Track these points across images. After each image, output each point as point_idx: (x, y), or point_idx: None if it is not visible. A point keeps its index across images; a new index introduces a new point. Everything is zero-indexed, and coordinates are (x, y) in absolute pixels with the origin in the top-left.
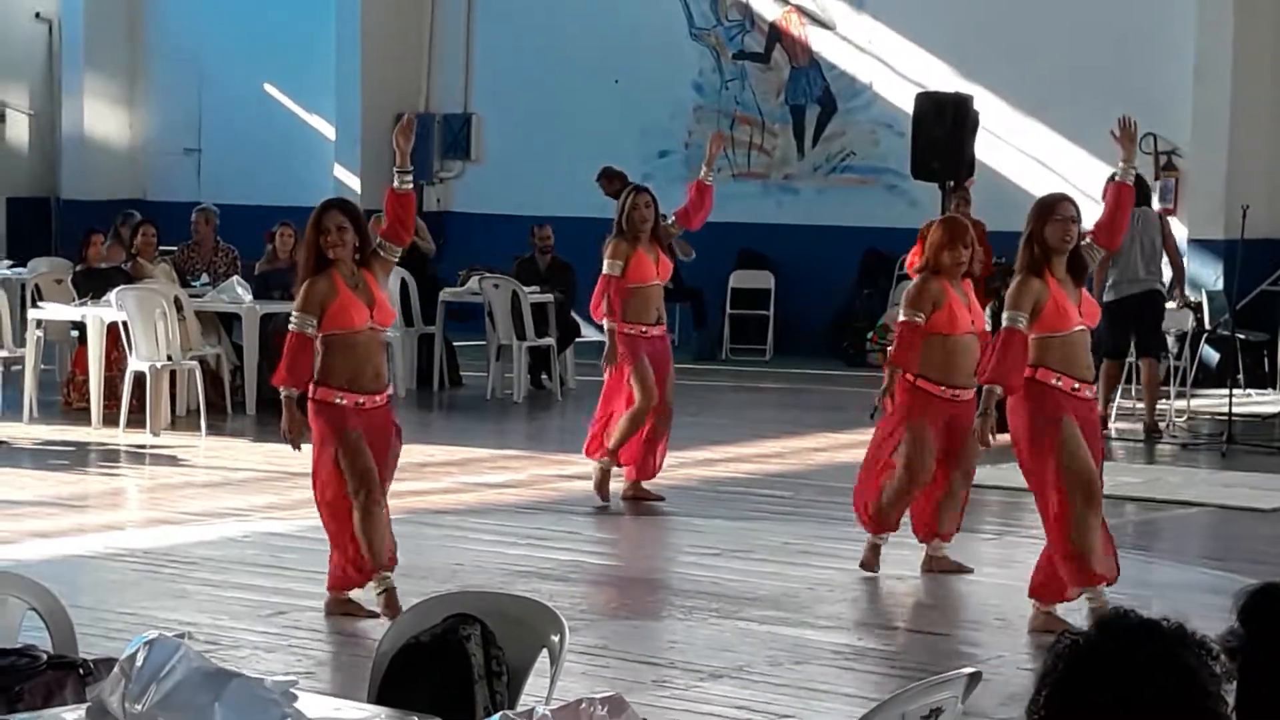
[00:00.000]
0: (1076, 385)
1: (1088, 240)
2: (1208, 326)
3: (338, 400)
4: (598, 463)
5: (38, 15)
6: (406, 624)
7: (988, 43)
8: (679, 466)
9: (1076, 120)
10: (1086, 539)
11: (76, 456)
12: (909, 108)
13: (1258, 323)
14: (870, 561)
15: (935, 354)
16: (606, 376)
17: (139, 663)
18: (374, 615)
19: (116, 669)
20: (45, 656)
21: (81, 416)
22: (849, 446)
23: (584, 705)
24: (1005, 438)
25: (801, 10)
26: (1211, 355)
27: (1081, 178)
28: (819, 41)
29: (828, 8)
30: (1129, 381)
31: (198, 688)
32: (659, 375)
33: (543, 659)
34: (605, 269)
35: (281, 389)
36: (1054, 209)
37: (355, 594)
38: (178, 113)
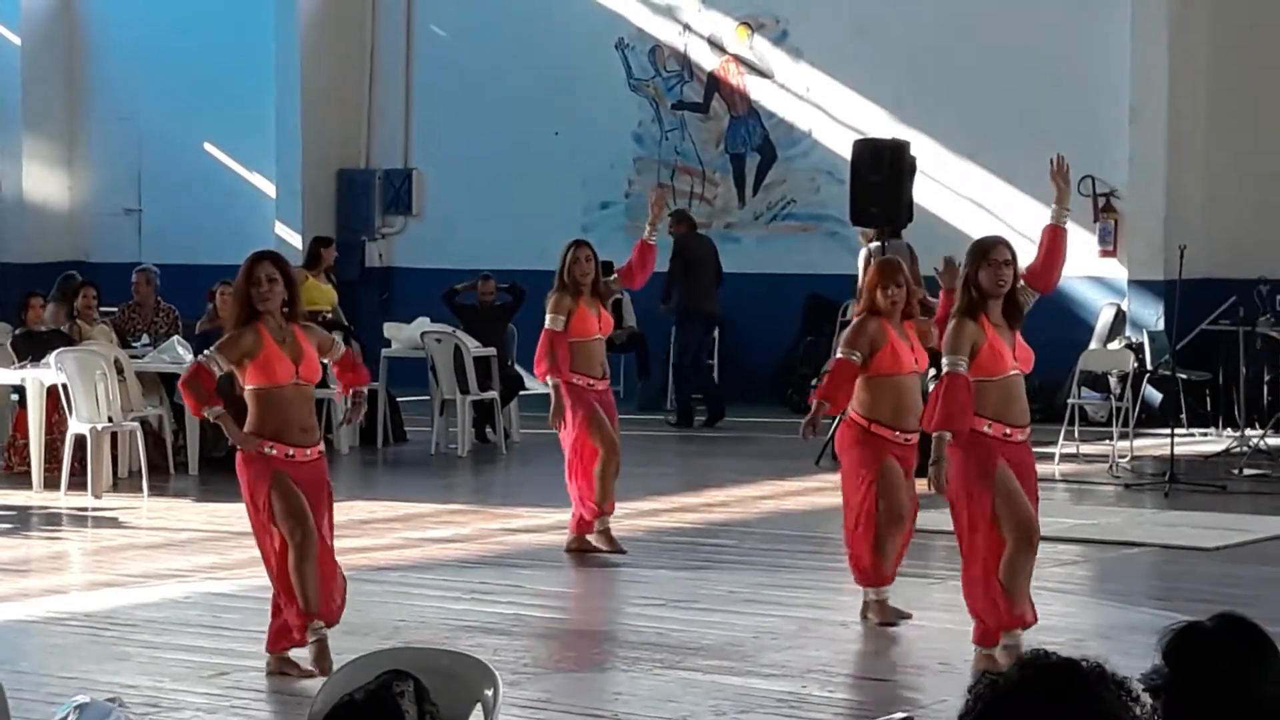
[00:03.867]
0: (1008, 431)
1: (1022, 284)
2: (1149, 367)
3: (267, 450)
4: (596, 523)
5: None
6: (339, 682)
7: (925, 88)
8: (625, 517)
9: (1013, 163)
10: (1015, 582)
11: (18, 520)
12: (848, 154)
13: (1199, 362)
14: (884, 614)
15: (886, 397)
16: (563, 436)
17: None
18: (310, 674)
19: None
20: None
21: (23, 480)
22: (795, 494)
23: None
24: None
25: (739, 59)
26: (1154, 395)
27: (1018, 219)
28: (757, 90)
29: (765, 56)
30: (1070, 423)
31: None
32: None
33: (477, 714)
34: (547, 323)
35: (207, 413)
36: (989, 252)
37: (296, 653)
38: (118, 173)
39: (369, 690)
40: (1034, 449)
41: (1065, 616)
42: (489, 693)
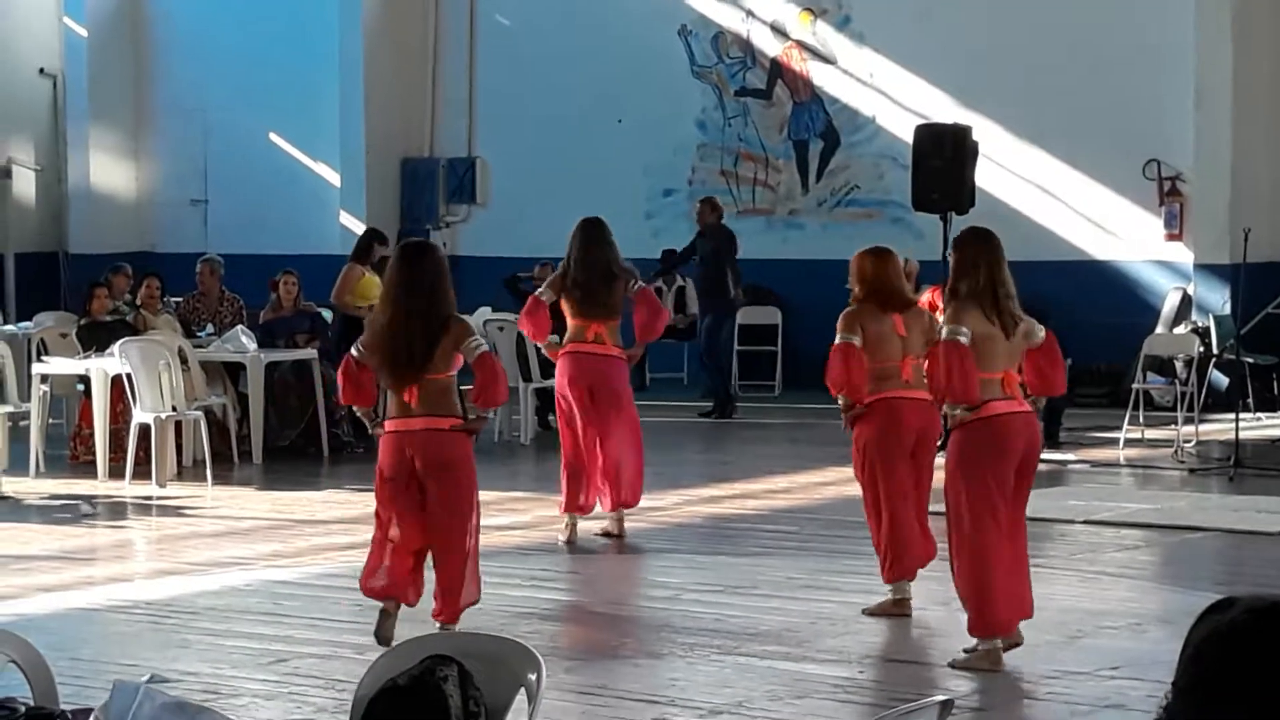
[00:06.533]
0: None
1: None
2: (1215, 351)
3: None
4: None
5: (42, 71)
6: (384, 667)
7: (989, 72)
8: (685, 504)
9: (1076, 146)
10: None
11: (83, 510)
12: (911, 139)
13: (1265, 346)
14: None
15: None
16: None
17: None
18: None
19: (91, 718)
20: (24, 709)
21: (89, 470)
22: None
23: None
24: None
25: (803, 45)
26: (1220, 380)
27: (1081, 203)
28: (820, 76)
29: (828, 42)
30: (1136, 408)
31: None
32: None
33: (521, 699)
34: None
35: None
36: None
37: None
38: (184, 164)
39: (412, 675)
40: (1100, 433)
41: (1125, 601)
42: (533, 677)
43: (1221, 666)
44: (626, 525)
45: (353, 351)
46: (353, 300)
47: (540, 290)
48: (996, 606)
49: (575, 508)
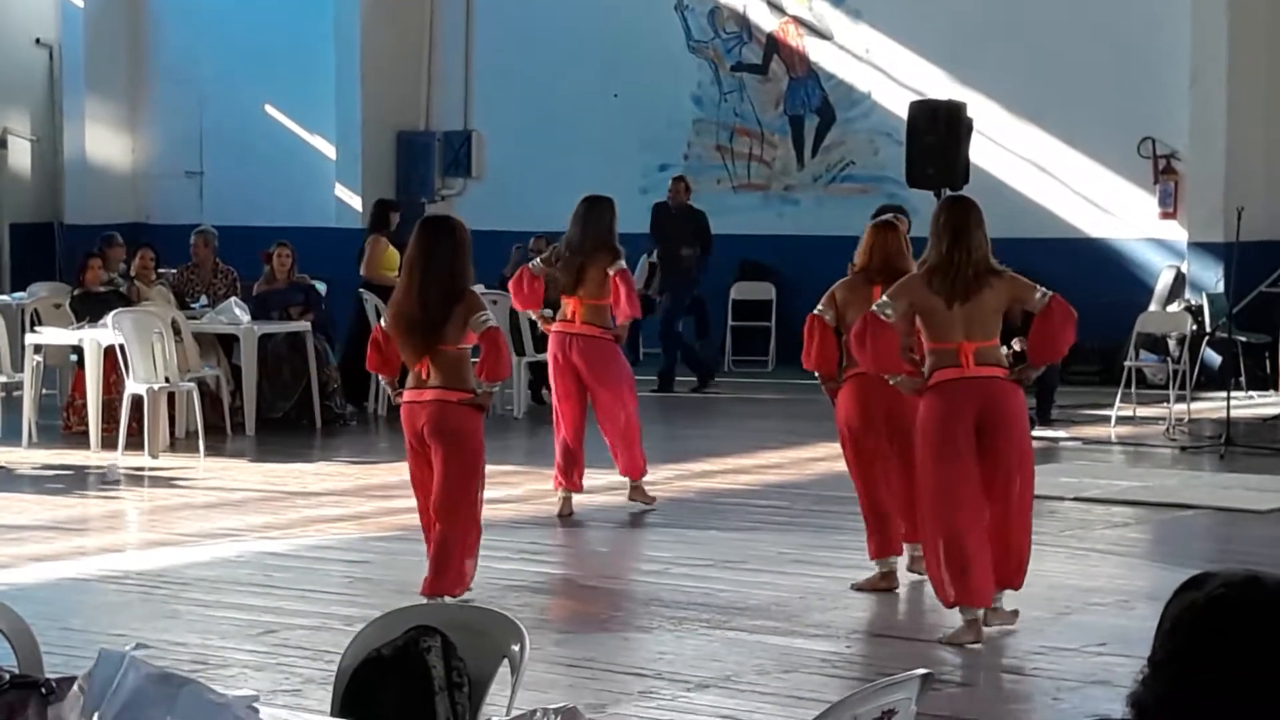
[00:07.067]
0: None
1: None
2: (1208, 329)
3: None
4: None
5: (38, 41)
6: (368, 637)
7: (984, 49)
8: (677, 479)
9: (1072, 124)
10: None
11: (75, 480)
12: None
13: (1258, 325)
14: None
15: None
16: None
17: (90, 679)
18: None
19: (75, 687)
20: (8, 677)
21: (81, 440)
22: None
23: (538, 715)
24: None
25: (799, 21)
26: (1213, 358)
27: (1076, 180)
28: (817, 52)
29: (825, 18)
30: (1128, 385)
31: (150, 703)
32: None
33: (505, 670)
34: (624, 266)
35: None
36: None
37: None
38: (179, 135)
39: (396, 646)
40: (1092, 410)
41: (1114, 578)
42: (516, 648)
43: (1195, 640)
44: (615, 500)
45: (380, 323)
46: (383, 272)
47: (533, 262)
48: (969, 578)
49: (567, 484)
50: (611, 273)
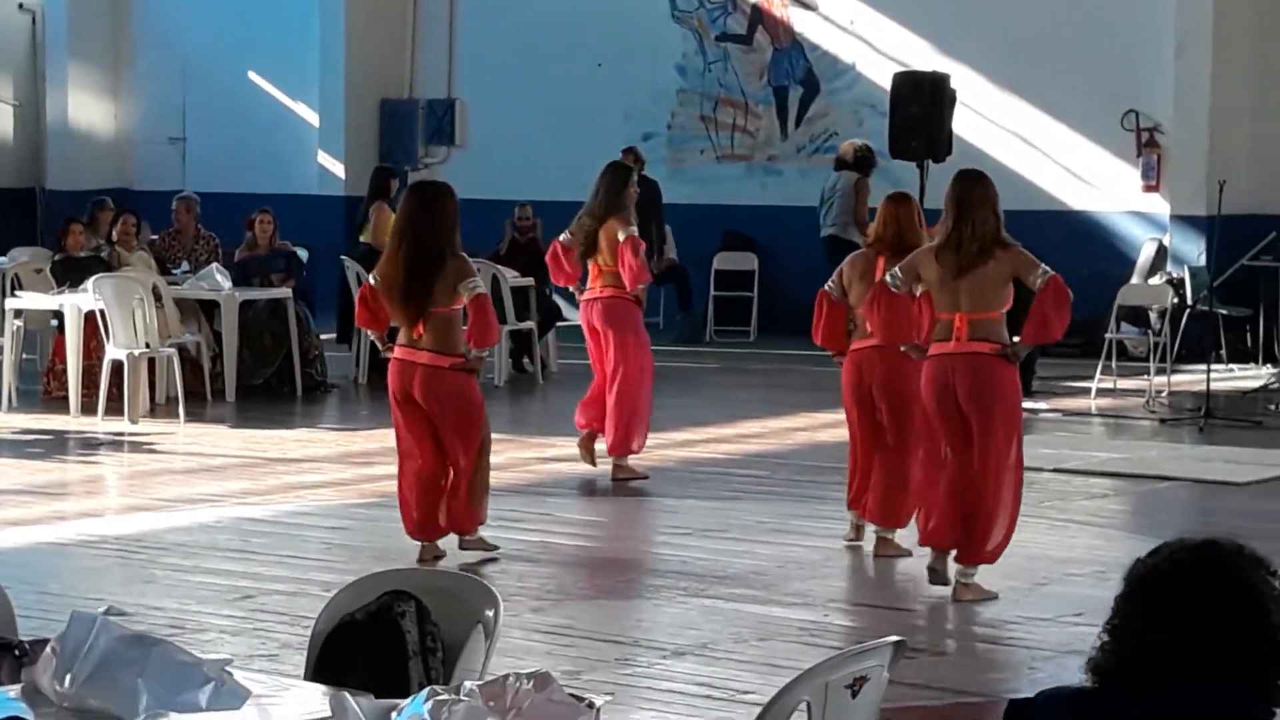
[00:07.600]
0: None
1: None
2: (1189, 302)
3: None
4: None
5: (21, 6)
6: (342, 602)
7: (968, 20)
8: (658, 448)
9: (1056, 95)
10: None
11: (55, 445)
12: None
13: (1239, 298)
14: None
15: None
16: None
17: (62, 641)
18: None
19: (48, 649)
20: None
21: (61, 405)
22: (830, 426)
23: (510, 680)
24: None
25: None
26: (1194, 331)
27: (1059, 151)
28: (801, 22)
29: None
30: (1109, 358)
31: (121, 664)
32: None
33: (478, 634)
34: (634, 233)
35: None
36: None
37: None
38: (162, 102)
39: (370, 610)
40: (1073, 382)
41: (1092, 549)
42: (490, 613)
43: (1149, 604)
44: (599, 470)
45: (369, 279)
46: (388, 239)
47: (562, 235)
48: (924, 518)
49: (581, 424)
50: (621, 238)
